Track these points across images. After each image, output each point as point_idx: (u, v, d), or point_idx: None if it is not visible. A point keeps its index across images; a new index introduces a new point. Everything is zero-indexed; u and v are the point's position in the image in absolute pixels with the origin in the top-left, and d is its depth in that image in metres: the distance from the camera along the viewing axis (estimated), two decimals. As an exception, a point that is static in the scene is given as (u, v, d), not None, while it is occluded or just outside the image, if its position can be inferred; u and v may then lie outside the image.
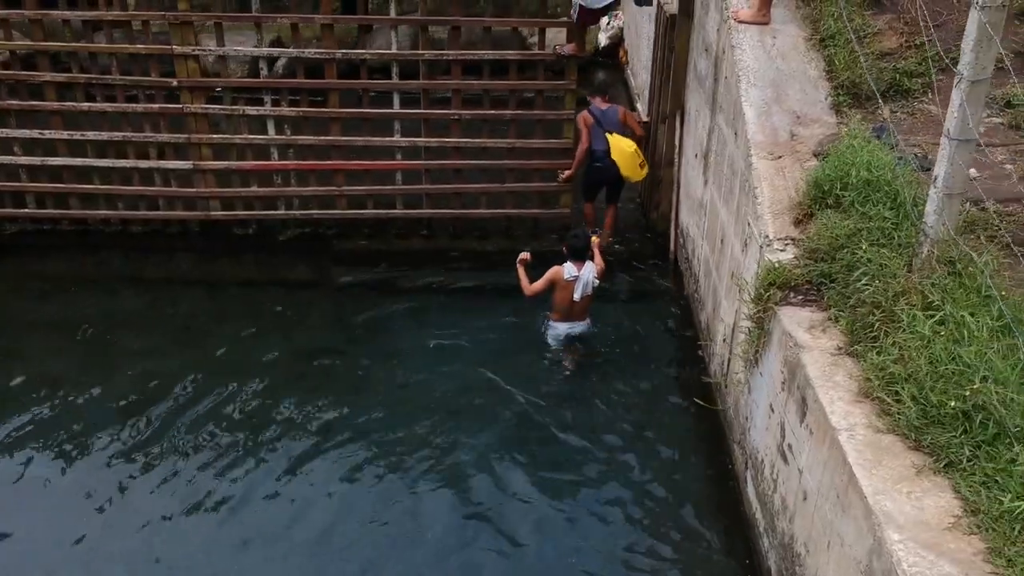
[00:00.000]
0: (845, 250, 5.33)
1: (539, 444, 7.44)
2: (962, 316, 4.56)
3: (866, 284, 5.05)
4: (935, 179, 4.89)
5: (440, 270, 9.40)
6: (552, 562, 6.44)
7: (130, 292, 9.17)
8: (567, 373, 8.16)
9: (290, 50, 8.73)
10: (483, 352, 8.37)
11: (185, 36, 8.50)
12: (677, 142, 8.62)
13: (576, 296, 7.93)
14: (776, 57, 6.68)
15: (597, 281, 8.01)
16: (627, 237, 9.52)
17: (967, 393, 4.25)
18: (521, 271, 8.05)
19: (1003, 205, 5.68)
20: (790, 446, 5.25)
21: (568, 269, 7.90)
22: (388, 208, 9.38)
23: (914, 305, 4.79)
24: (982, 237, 5.53)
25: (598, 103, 8.85)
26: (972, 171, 5.99)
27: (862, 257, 5.20)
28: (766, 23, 6.85)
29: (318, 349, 8.53)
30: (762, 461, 5.82)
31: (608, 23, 13.80)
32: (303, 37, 8.77)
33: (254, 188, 9.22)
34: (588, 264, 7.91)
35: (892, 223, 5.34)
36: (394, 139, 8.97)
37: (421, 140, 8.97)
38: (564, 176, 9.14)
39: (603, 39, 13.83)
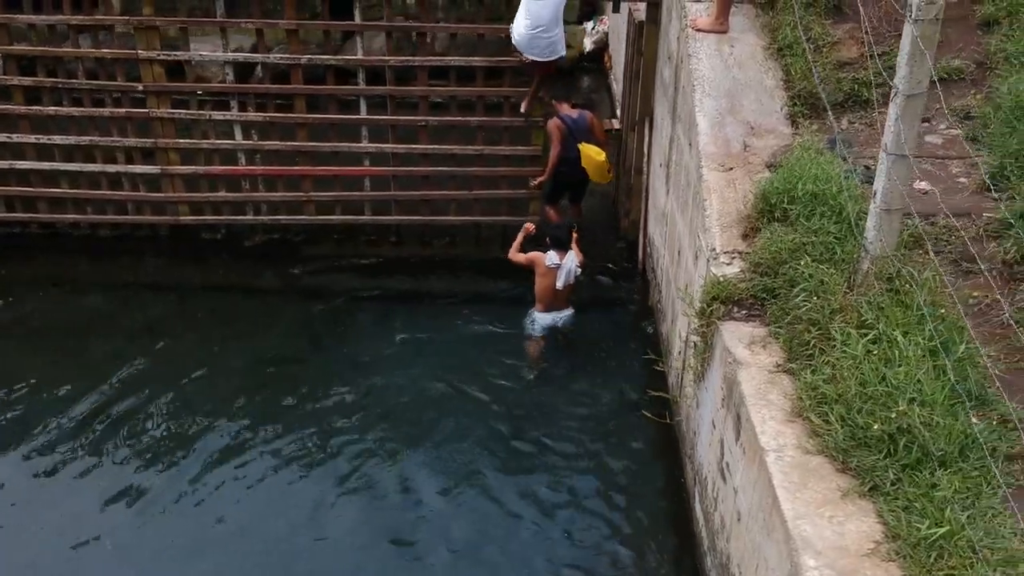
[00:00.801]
0: (787, 265, 5.24)
1: (494, 454, 7.40)
2: (894, 335, 4.47)
3: (804, 301, 4.96)
4: (874, 194, 4.80)
5: (408, 277, 9.34)
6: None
7: (98, 296, 9.14)
8: (531, 378, 8.11)
9: (255, 54, 8.68)
10: (447, 361, 8.33)
11: (150, 40, 8.45)
12: (646, 150, 8.53)
13: (559, 284, 8.11)
14: (733, 66, 6.58)
15: (579, 270, 8.22)
16: (599, 244, 9.43)
17: (893, 415, 4.15)
18: (520, 237, 8.41)
19: (952, 219, 5.56)
20: (727, 464, 5.16)
21: (550, 257, 8.11)
22: (356, 214, 9.32)
23: (849, 323, 4.70)
24: (931, 252, 5.43)
25: (566, 109, 8.75)
26: (924, 184, 5.92)
27: (802, 273, 5.10)
28: (724, 31, 6.76)
29: (282, 355, 8.50)
30: (706, 478, 5.73)
31: (593, 28, 13.70)
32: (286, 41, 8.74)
33: (222, 193, 9.16)
34: (570, 254, 8.12)
35: (836, 238, 5.24)
36: (361, 145, 8.90)
37: (388, 147, 8.90)
38: (536, 182, 9.06)
39: (588, 44, 13.72)
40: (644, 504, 6.81)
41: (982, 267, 5.34)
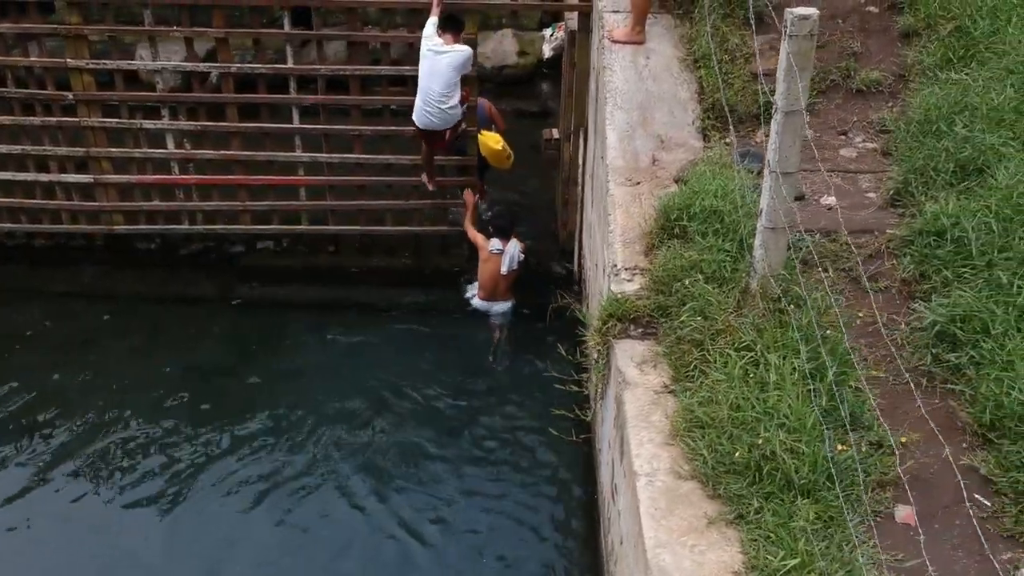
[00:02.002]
0: (679, 283, 5.14)
1: (417, 467, 7.35)
2: (770, 358, 4.37)
3: (689, 320, 4.86)
4: (759, 212, 4.70)
5: (345, 287, 9.27)
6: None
7: (32, 306, 9.07)
8: (462, 388, 8.07)
9: (183, 63, 8.59)
10: (379, 371, 8.26)
11: (79, 49, 8.36)
12: (580, 161, 8.44)
13: (503, 269, 8.27)
14: (647, 78, 6.49)
15: (522, 256, 8.35)
16: (540, 255, 9.34)
17: (759, 442, 4.06)
18: (470, 209, 8.65)
19: (856, 236, 5.47)
20: (616, 486, 5.07)
21: (493, 243, 8.29)
22: (293, 224, 9.22)
23: (729, 345, 4.61)
24: (830, 270, 5.34)
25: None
26: (831, 200, 5.82)
27: (691, 292, 5.01)
28: (640, 42, 6.67)
29: (213, 367, 8.42)
30: (605, 498, 5.64)
31: (552, 34, 13.62)
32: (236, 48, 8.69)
33: (156, 202, 9.08)
34: (513, 241, 8.30)
35: (730, 256, 5.14)
36: (295, 154, 8.81)
37: (323, 156, 8.81)
38: (476, 197, 8.98)
39: (547, 51, 13.62)
40: (560, 523, 6.73)
41: (880, 286, 5.25)
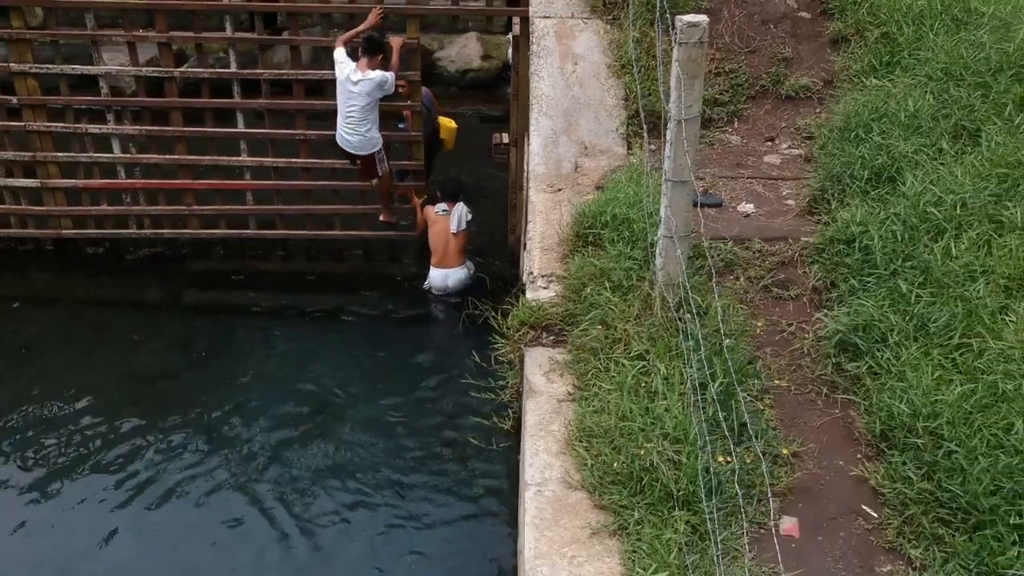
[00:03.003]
0: (588, 290, 5.12)
1: (351, 478, 7.28)
2: (660, 368, 4.35)
3: (590, 328, 4.84)
4: (659, 221, 4.68)
5: (294, 292, 9.22)
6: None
7: (-22, 311, 9.04)
8: (406, 395, 8.01)
9: (127, 68, 8.56)
10: (322, 380, 8.21)
11: (22, 54, 8.34)
12: (525, 166, 8.41)
13: (452, 227, 8.37)
14: (574, 85, 6.47)
15: (470, 215, 8.51)
16: (488, 261, 9.31)
17: (641, 452, 4.03)
18: (416, 205, 8.76)
19: (770, 244, 5.45)
20: (522, 496, 5.03)
21: (439, 206, 8.44)
22: (241, 228, 9.20)
23: (625, 354, 4.58)
24: (741, 277, 5.32)
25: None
26: (749, 207, 5.81)
27: (597, 299, 4.98)
28: None
29: (158, 372, 8.38)
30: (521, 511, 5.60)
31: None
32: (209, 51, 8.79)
33: (103, 207, 9.05)
34: (460, 203, 8.40)
35: (637, 264, 5.12)
36: (240, 159, 8.78)
37: (268, 160, 8.78)
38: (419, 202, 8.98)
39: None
40: (483, 541, 6.69)
41: (791, 294, 5.23)
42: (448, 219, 8.47)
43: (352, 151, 8.22)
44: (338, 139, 8.21)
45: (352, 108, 7.94)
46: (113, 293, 9.21)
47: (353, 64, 7.80)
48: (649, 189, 5.33)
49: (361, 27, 7.96)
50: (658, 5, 5.37)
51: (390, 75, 7.85)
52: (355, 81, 7.80)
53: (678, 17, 4.20)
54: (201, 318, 8.95)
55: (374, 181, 8.61)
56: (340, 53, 7.86)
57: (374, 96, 7.88)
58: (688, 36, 4.18)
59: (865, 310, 4.70)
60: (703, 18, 4.16)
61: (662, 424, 4.11)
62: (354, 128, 8.01)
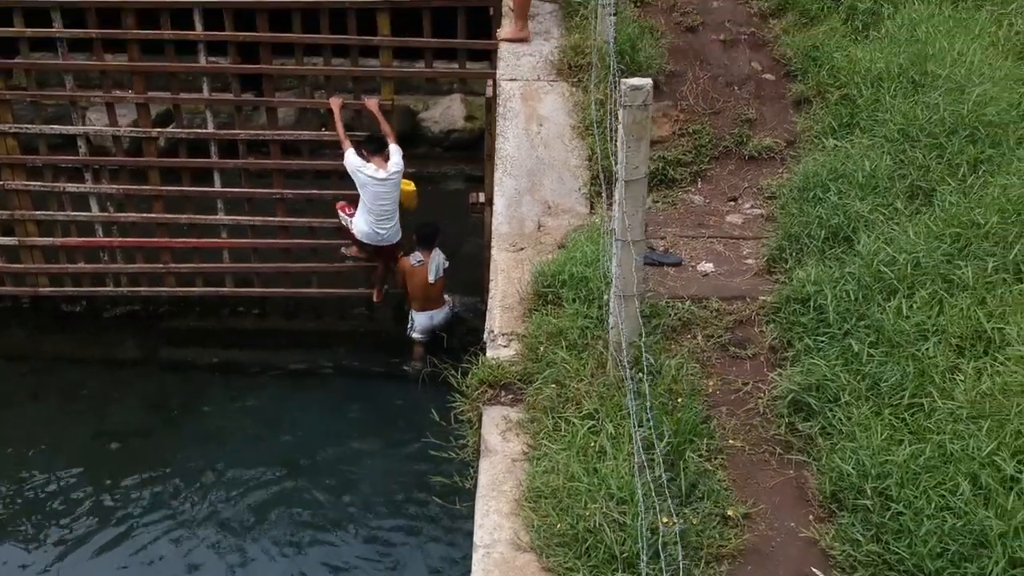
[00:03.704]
0: (544, 349, 5.12)
1: (316, 540, 7.32)
2: (609, 427, 4.33)
3: (544, 387, 4.83)
4: (611, 280, 4.70)
5: (269, 350, 9.25)
6: None
7: (-48, 367, 9.05)
8: (375, 453, 7.99)
9: (106, 128, 8.67)
10: (295, 439, 8.23)
11: (1, 114, 8.46)
12: (488, 225, 8.48)
13: (431, 278, 8.55)
14: (539, 145, 6.54)
15: (447, 263, 8.69)
16: (463, 317, 9.33)
17: (586, 513, 4.00)
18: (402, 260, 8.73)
19: (728, 303, 5.46)
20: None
21: (414, 256, 8.56)
22: (218, 286, 9.23)
23: (577, 413, 4.57)
24: (699, 336, 5.32)
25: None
26: (709, 266, 5.83)
27: (553, 358, 4.98)
28: (526, 38, 7.08)
29: (129, 429, 8.40)
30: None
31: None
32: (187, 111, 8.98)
33: (81, 264, 9.10)
34: (436, 251, 8.59)
35: (592, 322, 5.13)
36: (217, 217, 8.85)
37: (245, 219, 8.86)
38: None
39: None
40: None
41: (748, 353, 5.22)
42: (425, 269, 8.53)
43: (383, 243, 8.41)
44: (367, 237, 8.33)
45: (385, 203, 8.16)
46: (88, 351, 9.24)
47: (369, 164, 8.00)
48: (606, 248, 5.35)
49: (337, 121, 8.09)
50: (611, 68, 5.45)
51: (397, 147, 8.08)
52: (382, 179, 8.01)
53: (623, 80, 4.26)
54: (175, 376, 8.97)
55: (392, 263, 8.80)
56: (352, 156, 8.03)
57: (400, 180, 8.15)
58: (632, 99, 4.23)
59: (818, 369, 4.69)
60: (647, 81, 4.22)
61: (607, 485, 4.08)
62: (387, 220, 8.24)
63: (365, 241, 8.40)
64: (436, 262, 8.58)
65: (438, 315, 8.81)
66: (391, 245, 8.54)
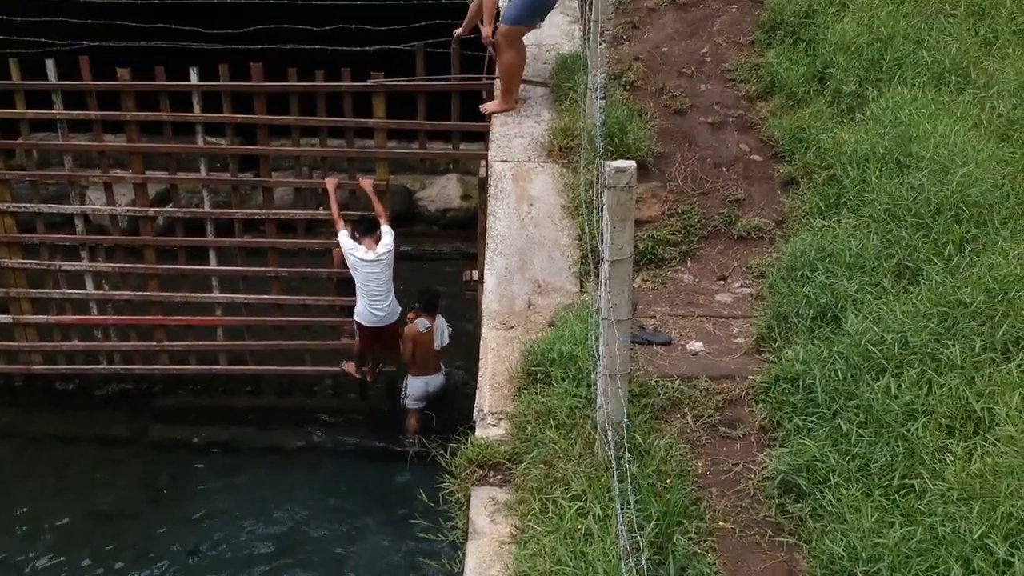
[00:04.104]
0: (533, 428, 5.09)
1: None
2: (596, 510, 4.29)
3: (532, 467, 4.79)
4: (598, 360, 4.70)
5: (262, 428, 9.19)
6: None
7: (-58, 447, 8.99)
8: (363, 534, 7.87)
9: (104, 207, 8.77)
10: (285, 519, 8.14)
11: (1, 193, 8.56)
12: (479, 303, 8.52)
13: (437, 344, 8.66)
14: (530, 225, 6.60)
15: (450, 329, 8.77)
16: (456, 389, 9.29)
17: (572, 598, 3.93)
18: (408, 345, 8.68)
19: (718, 382, 5.45)
20: (463, 643, 4.87)
21: (421, 323, 8.58)
22: (211, 364, 9.22)
23: (564, 495, 4.52)
24: (688, 416, 5.30)
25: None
26: (698, 345, 5.83)
27: (542, 438, 4.95)
28: (511, 108, 7.19)
29: (119, 510, 8.31)
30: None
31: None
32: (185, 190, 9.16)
33: (75, 342, 9.10)
34: (439, 318, 8.69)
35: (581, 401, 5.11)
36: (213, 295, 8.89)
37: (239, 296, 8.90)
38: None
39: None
40: None
41: (738, 433, 5.19)
42: (431, 335, 8.62)
43: (383, 324, 8.43)
44: (366, 320, 8.36)
45: (378, 284, 8.21)
46: (80, 429, 9.20)
47: (360, 245, 8.09)
48: (594, 327, 5.36)
49: (332, 202, 8.18)
50: (598, 150, 5.53)
51: (389, 228, 8.13)
52: (371, 260, 8.07)
53: (607, 163, 4.32)
54: (166, 455, 8.91)
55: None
56: (344, 238, 8.13)
57: (392, 260, 8.20)
58: (617, 181, 4.28)
59: (808, 450, 4.66)
60: (631, 164, 4.27)
61: (594, 569, 4.02)
62: (382, 300, 8.29)
63: (365, 324, 8.40)
64: (441, 328, 8.67)
65: (433, 382, 8.83)
66: (391, 326, 8.53)
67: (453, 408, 8.85)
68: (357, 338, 8.68)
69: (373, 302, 8.24)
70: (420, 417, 8.81)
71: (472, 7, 7.78)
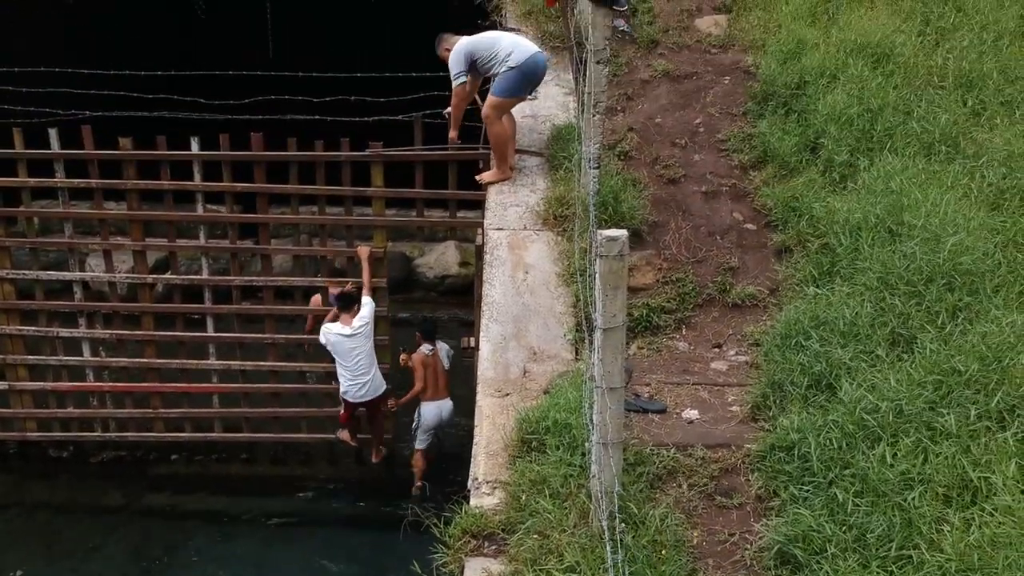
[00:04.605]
0: (527, 497, 5.05)
1: None
2: (590, 580, 4.24)
3: (525, 538, 4.74)
4: (593, 428, 4.68)
5: (256, 497, 9.10)
6: None
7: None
8: None
9: (102, 274, 8.82)
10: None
11: (1, 260, 8.61)
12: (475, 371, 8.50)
13: (446, 364, 8.82)
14: (525, 292, 6.63)
15: (451, 352, 8.94)
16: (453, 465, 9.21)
17: (566, 673, 3.86)
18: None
19: (713, 451, 5.42)
20: None
21: (425, 348, 8.74)
22: (207, 431, 9.17)
23: (559, 566, 4.47)
24: (684, 485, 5.26)
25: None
26: (694, 413, 5.82)
27: (536, 507, 4.91)
28: (508, 177, 7.33)
29: (113, 580, 8.17)
30: None
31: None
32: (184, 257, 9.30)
33: (70, 409, 9.07)
34: (439, 342, 8.87)
35: (575, 470, 5.08)
36: (209, 362, 8.88)
37: (236, 363, 8.88)
38: (393, 404, 8.99)
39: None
40: None
41: (735, 502, 5.15)
42: (437, 356, 8.81)
43: (368, 399, 8.43)
44: (350, 396, 8.38)
45: (359, 359, 8.19)
46: (73, 497, 9.12)
47: (335, 325, 8.12)
48: (588, 395, 5.36)
49: (366, 272, 8.30)
50: (591, 220, 5.58)
51: (370, 299, 8.17)
52: (351, 335, 8.08)
53: (599, 231, 4.36)
54: (159, 524, 8.82)
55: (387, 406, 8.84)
56: (326, 328, 8.17)
57: (371, 331, 8.20)
58: (608, 249, 4.32)
59: (804, 520, 4.61)
60: (622, 232, 4.31)
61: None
62: (365, 373, 8.28)
63: (352, 401, 8.41)
64: (444, 351, 8.84)
65: (445, 407, 8.88)
66: (377, 398, 8.53)
67: (447, 474, 8.79)
68: (342, 411, 8.68)
69: (355, 377, 8.25)
70: (427, 456, 8.84)
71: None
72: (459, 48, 7.19)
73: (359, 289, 8.31)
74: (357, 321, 8.11)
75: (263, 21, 12.33)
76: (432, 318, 9.18)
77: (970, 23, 7.94)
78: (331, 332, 8.11)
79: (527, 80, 7.25)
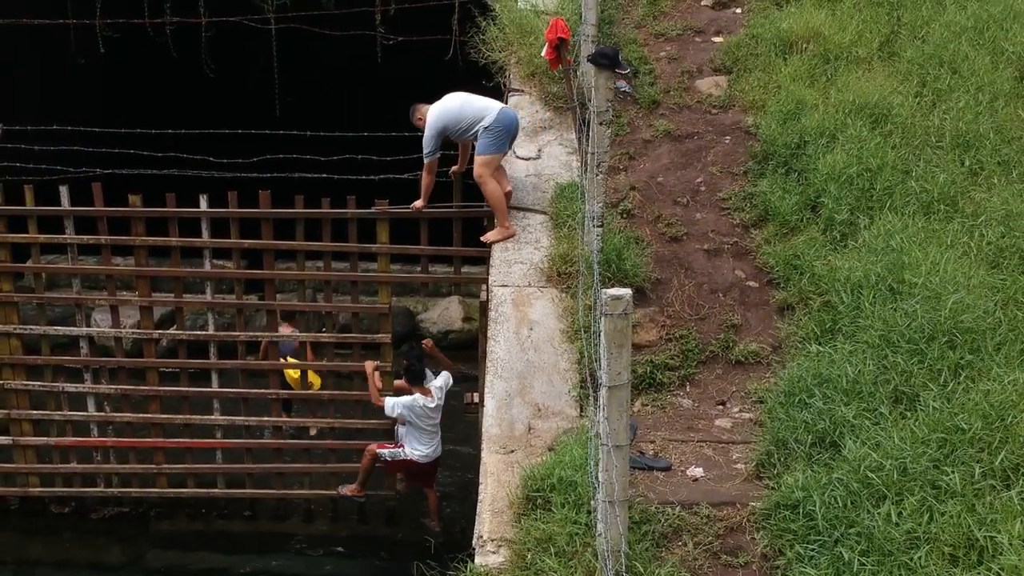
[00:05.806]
0: (531, 556, 5.05)
1: None
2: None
3: (532, 598, 4.73)
4: (598, 486, 4.70)
5: (258, 554, 9.04)
6: None
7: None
8: None
9: (108, 329, 8.88)
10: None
11: (8, 315, 8.67)
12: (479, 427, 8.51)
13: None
14: (529, 349, 6.68)
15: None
16: (457, 515, 9.17)
17: None
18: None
19: (718, 508, 5.42)
20: None
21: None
22: (209, 487, 9.15)
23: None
24: (689, 543, 5.25)
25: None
26: (699, 471, 5.83)
27: (541, 566, 4.90)
28: (513, 234, 7.55)
29: (112, 640, 8.09)
30: None
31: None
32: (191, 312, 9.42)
33: (73, 464, 9.06)
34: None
35: (581, 528, 5.08)
36: (213, 418, 8.89)
37: (240, 419, 8.89)
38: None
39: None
40: None
41: (740, 561, 5.14)
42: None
43: (431, 460, 8.61)
44: (420, 457, 8.50)
45: (434, 423, 8.49)
46: (74, 553, 9.08)
47: (418, 397, 8.32)
48: (593, 452, 5.37)
49: (372, 384, 8.41)
50: (595, 278, 5.65)
51: (446, 372, 8.59)
52: (433, 407, 8.39)
53: (604, 291, 4.42)
54: (161, 583, 8.73)
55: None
56: (390, 402, 8.31)
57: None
58: (613, 308, 4.38)
59: (809, 579, 4.61)
60: (626, 291, 4.38)
61: None
62: (433, 436, 8.52)
63: (419, 461, 8.52)
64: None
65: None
66: (435, 460, 8.69)
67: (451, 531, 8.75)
68: (404, 474, 8.81)
69: (429, 441, 8.49)
70: (436, 494, 8.93)
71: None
72: (431, 123, 7.74)
73: (419, 359, 8.48)
74: (437, 392, 8.40)
75: (271, 80, 12.58)
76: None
77: (966, 84, 8.08)
78: (416, 405, 8.29)
79: (507, 133, 7.72)
